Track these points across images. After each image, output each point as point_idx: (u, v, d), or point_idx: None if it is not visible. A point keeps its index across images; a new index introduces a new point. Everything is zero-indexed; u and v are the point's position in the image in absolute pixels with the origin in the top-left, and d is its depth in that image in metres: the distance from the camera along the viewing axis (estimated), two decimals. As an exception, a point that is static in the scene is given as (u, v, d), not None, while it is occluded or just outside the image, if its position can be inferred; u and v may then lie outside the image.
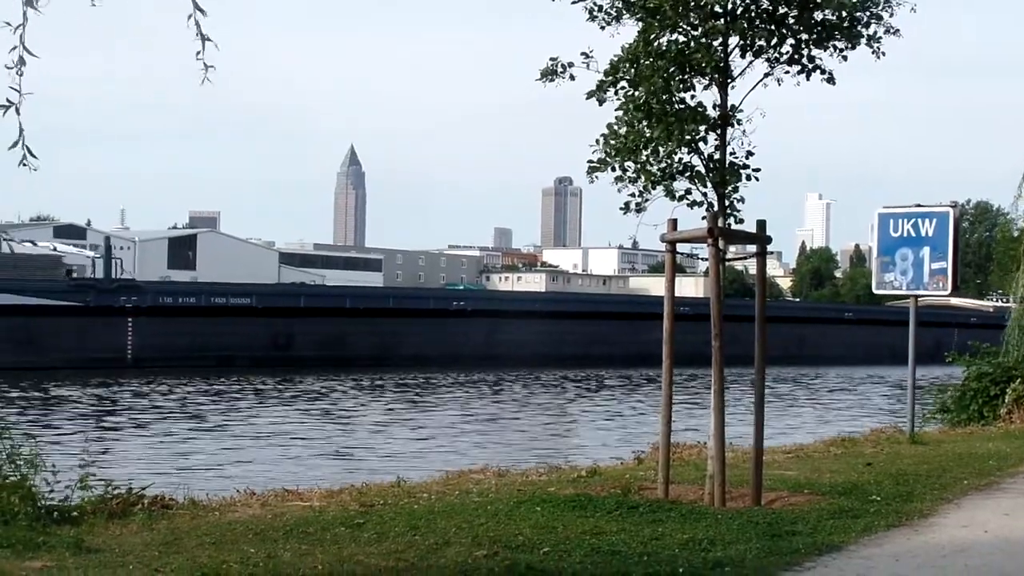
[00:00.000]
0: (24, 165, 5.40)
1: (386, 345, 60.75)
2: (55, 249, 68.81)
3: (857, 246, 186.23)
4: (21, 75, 5.23)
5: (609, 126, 10.13)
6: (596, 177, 10.23)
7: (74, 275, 60.39)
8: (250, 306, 60.42)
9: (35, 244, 70.09)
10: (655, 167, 10.13)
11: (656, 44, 10.00)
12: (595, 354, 65.66)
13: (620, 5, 10.19)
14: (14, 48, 5.20)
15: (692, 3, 9.94)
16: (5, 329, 50.72)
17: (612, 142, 10.08)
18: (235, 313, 58.94)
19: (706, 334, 9.71)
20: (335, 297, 68.45)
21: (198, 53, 5.46)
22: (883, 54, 10.49)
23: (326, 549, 7.67)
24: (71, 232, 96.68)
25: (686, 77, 10.10)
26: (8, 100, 5.25)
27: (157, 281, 66.14)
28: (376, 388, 47.88)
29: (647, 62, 9.94)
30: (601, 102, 10.12)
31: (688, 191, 10.25)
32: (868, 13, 10.32)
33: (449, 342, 62.10)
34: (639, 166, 10.12)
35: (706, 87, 10.22)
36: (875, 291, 17.69)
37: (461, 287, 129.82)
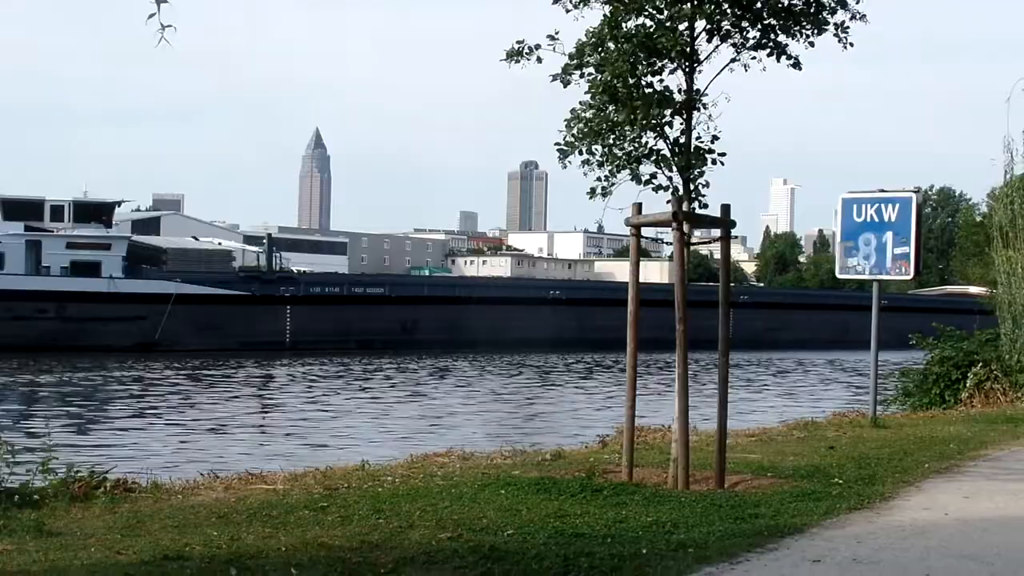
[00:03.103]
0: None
1: (496, 329, 65.94)
2: (219, 244, 78.24)
3: (821, 231, 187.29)
4: None
5: (573, 110, 10.10)
6: (569, 162, 10.20)
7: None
8: (384, 295, 67.84)
9: (197, 239, 78.75)
10: (621, 151, 10.12)
11: (623, 28, 9.96)
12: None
13: None
14: None
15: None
16: (191, 315, 57.92)
17: (578, 125, 10.06)
18: (371, 301, 66.61)
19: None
20: (452, 287, 78.14)
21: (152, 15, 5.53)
22: (850, 44, 10.51)
23: (289, 532, 7.64)
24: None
25: (653, 61, 10.08)
26: None
27: (308, 272, 75.14)
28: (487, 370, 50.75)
29: (613, 46, 9.91)
30: (566, 84, 10.08)
31: (654, 175, 10.24)
32: (834, -1, 10.33)
33: (549, 326, 66.32)
34: (606, 150, 10.10)
35: (672, 71, 10.20)
36: (838, 276, 17.78)
37: (426, 271, 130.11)
